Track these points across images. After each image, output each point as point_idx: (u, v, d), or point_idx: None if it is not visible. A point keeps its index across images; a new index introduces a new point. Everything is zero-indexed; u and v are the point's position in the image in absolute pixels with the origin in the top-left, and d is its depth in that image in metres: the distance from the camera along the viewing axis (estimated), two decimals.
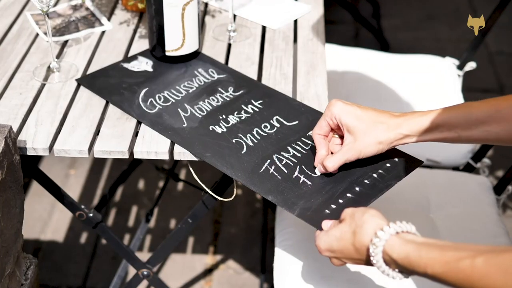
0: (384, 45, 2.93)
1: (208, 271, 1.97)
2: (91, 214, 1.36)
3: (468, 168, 1.65)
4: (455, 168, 1.67)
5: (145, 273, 1.45)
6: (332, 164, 1.07)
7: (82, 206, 1.35)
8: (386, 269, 0.90)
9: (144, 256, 1.89)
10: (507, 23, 3.08)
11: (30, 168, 1.26)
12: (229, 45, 1.44)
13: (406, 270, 0.88)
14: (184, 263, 1.99)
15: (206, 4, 1.58)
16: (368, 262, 0.92)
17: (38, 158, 2.29)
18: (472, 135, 1.03)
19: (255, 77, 1.34)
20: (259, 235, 2.07)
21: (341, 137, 1.11)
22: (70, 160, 2.33)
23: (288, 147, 1.16)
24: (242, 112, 1.24)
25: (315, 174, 1.11)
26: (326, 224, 1.01)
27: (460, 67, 1.88)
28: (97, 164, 2.32)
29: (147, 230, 2.07)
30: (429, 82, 1.86)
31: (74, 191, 2.22)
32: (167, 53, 1.34)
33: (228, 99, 1.27)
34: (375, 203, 1.42)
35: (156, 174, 2.25)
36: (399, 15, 3.22)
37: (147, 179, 2.26)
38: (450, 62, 1.91)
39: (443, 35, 3.06)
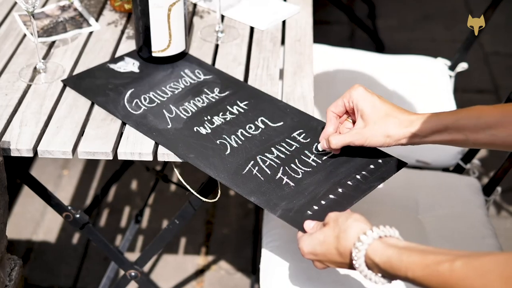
0: (379, 46, 2.93)
1: (200, 272, 1.97)
2: (78, 215, 1.36)
3: (458, 169, 1.64)
4: (445, 169, 1.66)
5: (133, 274, 1.45)
6: (336, 142, 1.09)
7: (69, 207, 1.35)
8: (369, 274, 0.90)
9: (136, 257, 1.89)
10: (503, 24, 3.08)
11: (15, 169, 1.26)
12: (217, 46, 1.44)
13: (388, 275, 0.88)
14: (176, 263, 1.99)
15: (194, 5, 1.58)
16: (351, 266, 0.93)
17: (31, 159, 2.30)
18: (479, 139, 1.03)
19: (241, 78, 1.34)
20: (251, 235, 2.07)
21: (354, 122, 1.13)
22: (63, 161, 2.33)
23: (272, 148, 1.15)
24: (227, 113, 1.24)
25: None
26: (308, 224, 1.01)
27: (452, 67, 1.88)
28: (91, 164, 2.32)
29: (140, 231, 2.07)
30: (420, 82, 1.85)
31: (67, 191, 2.22)
32: (153, 54, 1.34)
33: (213, 100, 1.27)
34: (363, 204, 1.43)
35: (149, 174, 2.25)
36: (394, 15, 3.21)
37: (140, 179, 2.26)
38: (442, 63, 1.90)
39: (438, 36, 3.06)
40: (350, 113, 1.13)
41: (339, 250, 0.93)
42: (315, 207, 1.04)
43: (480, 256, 0.78)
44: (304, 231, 1.01)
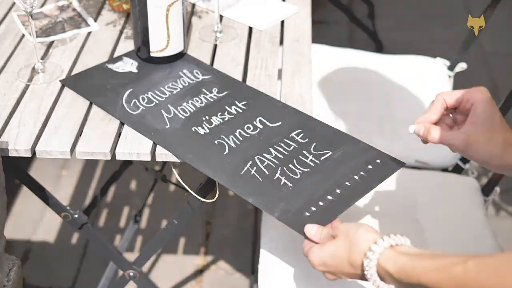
0: (378, 46, 2.93)
1: (199, 272, 1.97)
2: (76, 215, 1.35)
3: (456, 169, 1.64)
4: (444, 170, 1.66)
5: (131, 274, 1.45)
6: (435, 136, 1.02)
7: (68, 207, 1.35)
8: (381, 285, 0.89)
9: (134, 257, 1.89)
10: (503, 24, 3.07)
11: (14, 169, 1.26)
12: (215, 46, 1.44)
13: (402, 284, 0.87)
14: (175, 263, 1.99)
15: (193, 5, 1.58)
16: (363, 277, 0.92)
17: (30, 159, 2.29)
18: None
19: (240, 78, 1.34)
20: (250, 236, 2.07)
21: (454, 121, 1.06)
22: (62, 161, 2.33)
23: (270, 149, 1.15)
24: (226, 113, 1.23)
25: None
26: (310, 230, 1.00)
27: (451, 67, 1.88)
28: (89, 164, 2.32)
29: (139, 231, 2.07)
30: (419, 82, 1.85)
31: (66, 191, 2.22)
32: (152, 54, 1.34)
33: (212, 100, 1.27)
34: (362, 204, 1.43)
35: (148, 175, 2.25)
36: (394, 16, 3.21)
37: (139, 179, 2.26)
38: (441, 63, 1.90)
39: (438, 36, 3.06)
40: (459, 111, 1.05)
41: (350, 262, 0.92)
42: (313, 209, 1.04)
43: (491, 256, 0.79)
44: (303, 234, 1.00)
